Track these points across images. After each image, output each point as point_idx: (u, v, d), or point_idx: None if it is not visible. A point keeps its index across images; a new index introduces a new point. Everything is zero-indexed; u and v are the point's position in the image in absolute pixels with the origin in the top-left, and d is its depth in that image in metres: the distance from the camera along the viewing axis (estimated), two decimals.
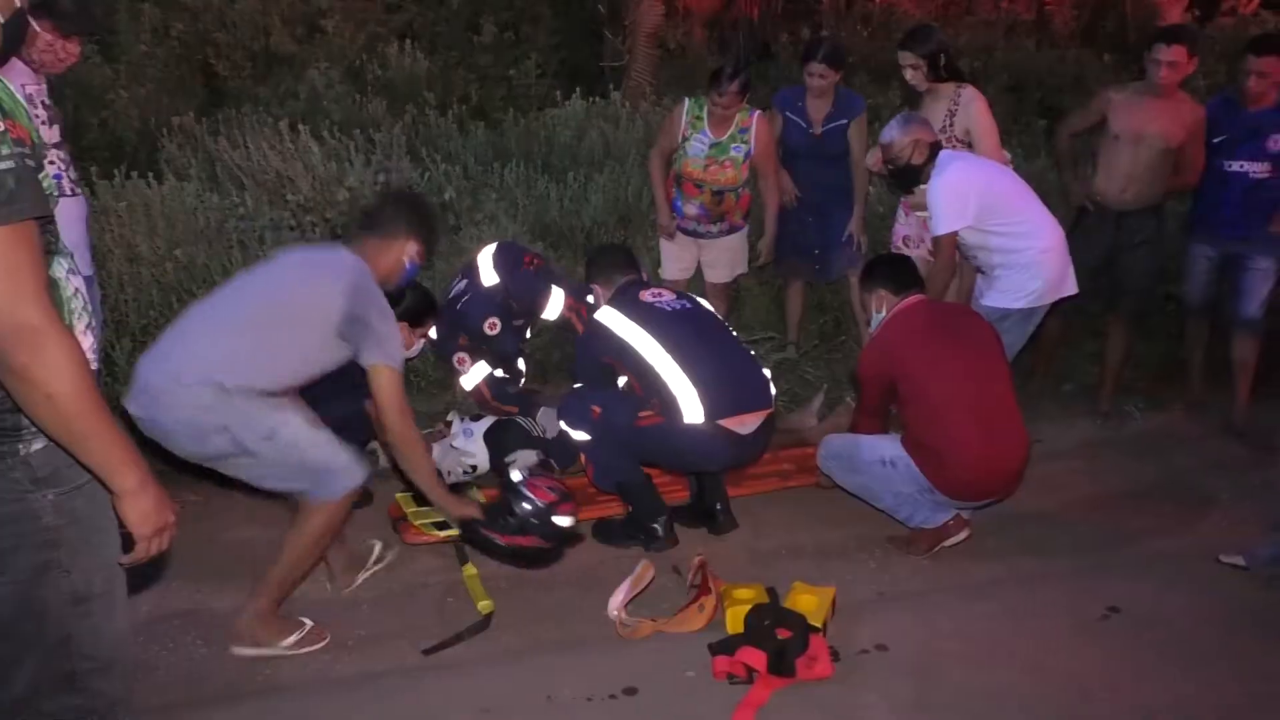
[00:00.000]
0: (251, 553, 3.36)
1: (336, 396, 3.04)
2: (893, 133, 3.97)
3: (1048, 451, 4.30)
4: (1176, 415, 4.81)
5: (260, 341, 2.67)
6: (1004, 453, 3.35)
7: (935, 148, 3.92)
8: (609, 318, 3.48)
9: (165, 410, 2.58)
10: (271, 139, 4.85)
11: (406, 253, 3.04)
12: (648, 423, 3.35)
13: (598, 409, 3.43)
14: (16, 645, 1.65)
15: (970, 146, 4.21)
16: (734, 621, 2.86)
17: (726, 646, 2.75)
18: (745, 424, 3.39)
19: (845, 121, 4.58)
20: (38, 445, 1.59)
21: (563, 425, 3.56)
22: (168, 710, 2.58)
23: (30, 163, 1.48)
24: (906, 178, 3.99)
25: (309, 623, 2.88)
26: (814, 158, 4.66)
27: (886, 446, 3.43)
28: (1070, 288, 4.05)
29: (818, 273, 4.88)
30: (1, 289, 1.44)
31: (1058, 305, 4.68)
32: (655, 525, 3.44)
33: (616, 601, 3.00)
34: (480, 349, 4.07)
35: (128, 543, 1.68)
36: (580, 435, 3.50)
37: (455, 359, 4.09)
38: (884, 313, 3.55)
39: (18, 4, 1.60)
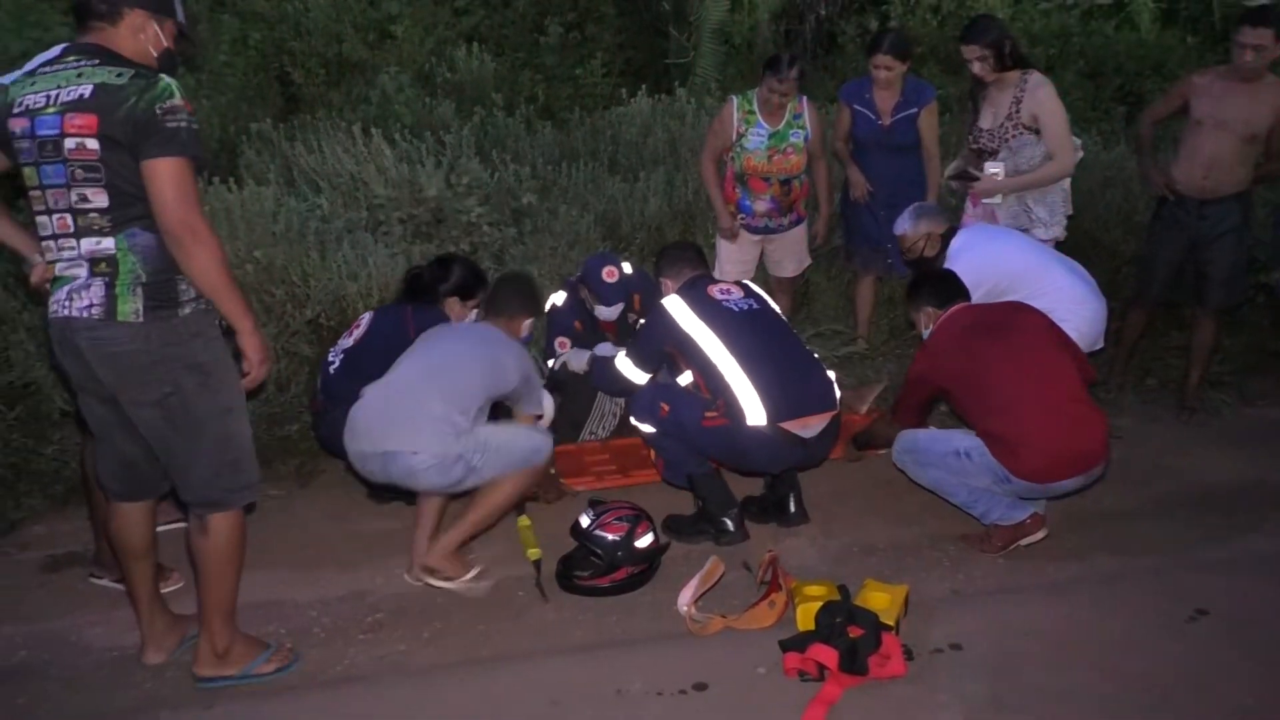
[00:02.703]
0: (331, 548, 3.46)
1: None
2: (904, 225, 4.05)
3: (1130, 447, 4.19)
4: (1266, 409, 4.64)
5: (465, 386, 3.19)
6: (1079, 429, 3.24)
7: (948, 236, 3.98)
8: (675, 307, 3.51)
9: (419, 461, 3.07)
10: (345, 143, 4.96)
11: (524, 329, 3.59)
12: (713, 424, 3.38)
13: (666, 406, 3.47)
14: (195, 444, 2.48)
15: (1037, 133, 4.11)
16: (805, 619, 2.84)
17: (798, 643, 2.74)
18: (808, 426, 3.39)
19: (915, 110, 4.51)
20: (187, 310, 2.42)
21: (632, 420, 3.63)
22: (248, 696, 2.67)
23: (195, 127, 2.34)
24: (922, 268, 3.96)
25: (479, 566, 3.25)
26: (884, 149, 4.59)
27: (960, 438, 3.38)
28: (1099, 344, 4.00)
29: (889, 266, 4.80)
30: (177, 197, 2.29)
31: (1143, 296, 4.57)
32: (726, 519, 3.45)
33: (686, 597, 3.01)
34: (582, 340, 4.20)
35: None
36: (646, 428, 3.55)
37: (557, 342, 4.21)
38: (931, 327, 3.54)
39: (165, 44, 2.49)
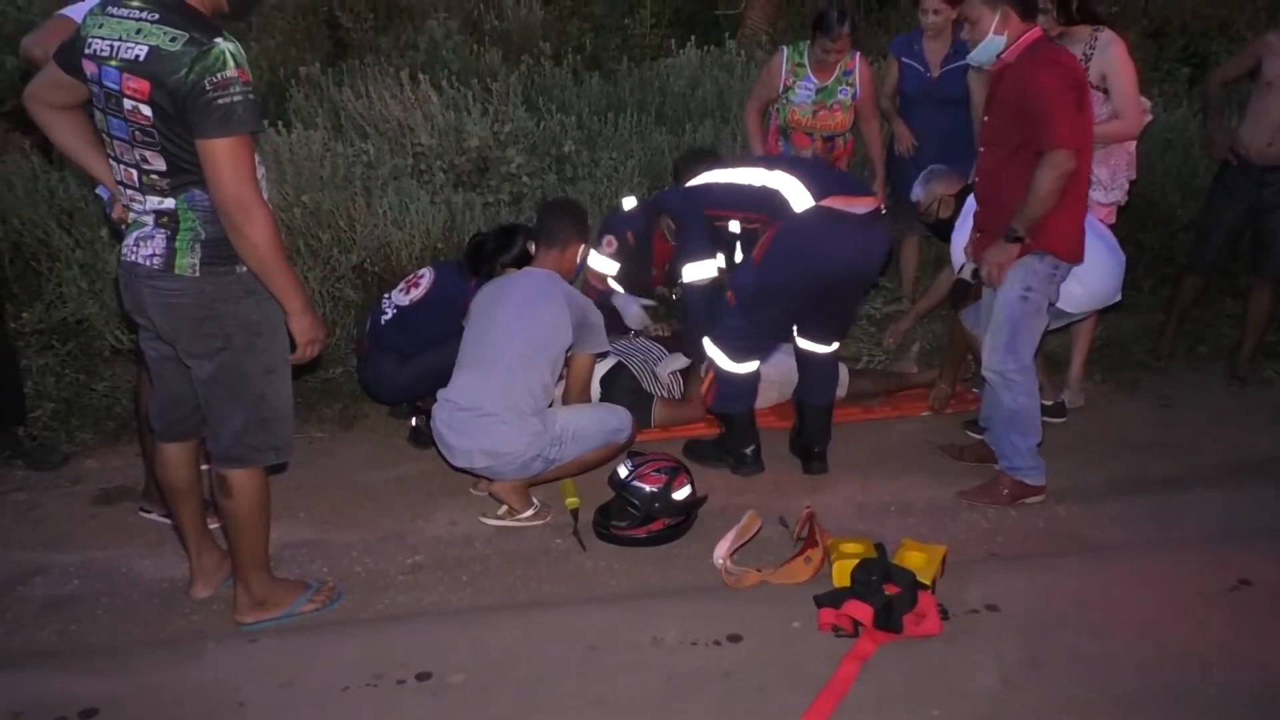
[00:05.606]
0: (372, 491, 3.51)
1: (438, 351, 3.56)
2: (917, 192, 3.97)
3: (1178, 416, 4.12)
4: None
5: (532, 380, 3.23)
6: None
7: (963, 194, 3.85)
8: (701, 177, 3.57)
9: (499, 466, 3.23)
10: (393, 89, 4.95)
11: (578, 255, 3.54)
12: (763, 250, 3.35)
13: (731, 295, 3.46)
14: (233, 400, 2.51)
15: (1106, 94, 3.98)
16: (840, 575, 2.84)
17: (833, 599, 2.74)
18: (854, 205, 3.38)
19: (965, 63, 4.40)
20: (244, 268, 2.41)
21: (708, 346, 3.53)
22: (292, 631, 2.73)
23: (252, 97, 2.29)
24: (942, 231, 3.90)
25: (539, 503, 3.35)
26: (932, 103, 4.51)
27: (1014, 279, 3.24)
28: (1116, 297, 3.80)
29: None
30: (231, 176, 2.26)
31: (1199, 262, 4.45)
32: (745, 451, 3.58)
33: (722, 550, 3.01)
34: (626, 255, 4.15)
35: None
36: (714, 350, 3.52)
37: (604, 240, 4.15)
38: (1004, 35, 3.15)
39: None
